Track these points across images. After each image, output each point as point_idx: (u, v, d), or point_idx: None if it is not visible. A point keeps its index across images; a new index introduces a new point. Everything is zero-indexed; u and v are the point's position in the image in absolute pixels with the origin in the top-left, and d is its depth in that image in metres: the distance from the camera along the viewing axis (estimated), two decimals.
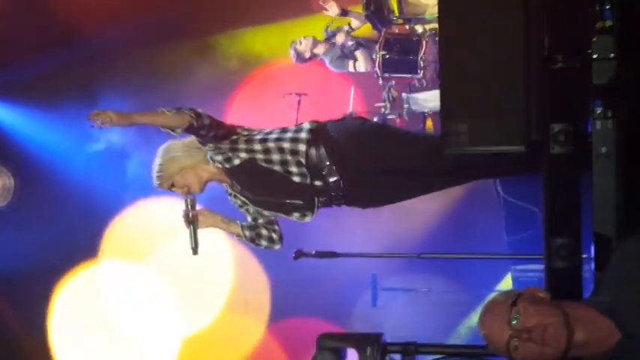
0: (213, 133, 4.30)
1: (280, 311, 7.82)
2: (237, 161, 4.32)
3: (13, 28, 7.50)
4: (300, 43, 7.71)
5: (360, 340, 2.95)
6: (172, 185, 4.40)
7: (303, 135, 4.30)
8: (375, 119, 7.19)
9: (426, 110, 7.01)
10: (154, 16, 7.65)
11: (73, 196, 7.89)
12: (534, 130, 3.39)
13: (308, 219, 4.45)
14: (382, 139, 4.45)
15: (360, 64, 7.38)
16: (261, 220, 4.53)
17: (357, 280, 7.10)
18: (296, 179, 4.31)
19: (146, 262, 8.03)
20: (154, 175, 4.42)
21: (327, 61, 7.68)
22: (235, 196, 4.52)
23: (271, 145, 4.30)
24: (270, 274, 7.71)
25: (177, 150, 4.40)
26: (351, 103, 7.35)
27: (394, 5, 7.22)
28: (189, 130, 4.25)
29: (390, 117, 7.13)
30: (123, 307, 8.18)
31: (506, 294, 2.71)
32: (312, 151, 4.29)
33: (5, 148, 8.16)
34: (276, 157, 4.30)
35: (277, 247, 4.59)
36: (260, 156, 4.30)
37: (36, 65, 7.73)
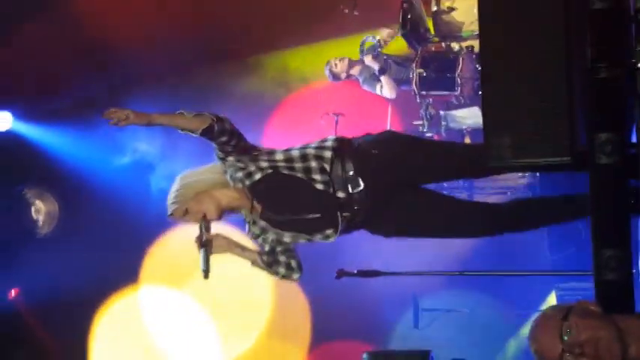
0: (235, 141, 4.11)
1: (321, 334, 7.77)
2: (258, 175, 4.11)
3: (54, 53, 7.58)
4: (336, 65, 7.73)
5: (407, 357, 2.91)
6: (186, 212, 4.16)
7: (329, 143, 4.16)
8: None
9: (464, 127, 6.99)
10: (192, 37, 7.70)
11: (114, 222, 7.92)
12: (579, 141, 3.33)
13: (332, 239, 4.21)
14: (412, 148, 4.30)
15: (385, 90, 7.38)
16: (279, 248, 4.27)
17: (399, 300, 7.05)
18: (319, 187, 4.09)
19: (185, 287, 8.02)
20: (169, 201, 4.20)
21: (360, 80, 7.69)
22: (254, 223, 4.25)
23: (295, 153, 4.14)
24: (310, 295, 7.66)
25: (194, 175, 4.23)
26: (388, 122, 7.34)
27: (430, 24, 7.22)
28: (210, 133, 4.04)
29: (427, 135, 7.11)
30: (162, 333, 8.17)
31: (557, 308, 2.66)
32: (337, 160, 4.12)
33: (50, 173, 8.21)
34: (298, 165, 4.11)
35: (296, 276, 4.30)
36: (282, 164, 4.11)
37: (79, 89, 7.81)
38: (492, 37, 3.49)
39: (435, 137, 7.17)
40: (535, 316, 3.07)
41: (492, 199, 6.26)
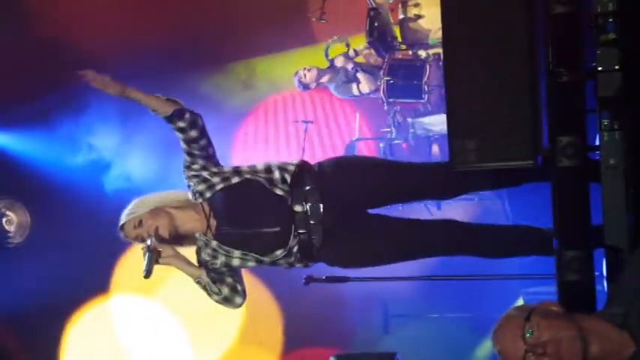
0: (205, 142, 4.15)
1: (292, 341, 7.78)
2: (220, 186, 4.12)
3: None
4: (305, 75, 7.75)
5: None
6: (140, 224, 4.10)
7: (293, 162, 4.23)
8: (382, 144, 7.22)
9: (431, 134, 7.03)
10: (161, 44, 7.69)
11: (86, 230, 7.88)
12: (542, 144, 3.39)
13: (280, 261, 4.14)
14: (373, 169, 4.30)
15: (364, 85, 7.41)
16: (227, 271, 4.18)
17: (368, 306, 7.08)
18: (278, 192, 4.09)
19: (157, 296, 8.00)
20: (123, 215, 4.15)
21: (331, 88, 7.72)
22: (205, 245, 4.15)
23: (259, 166, 4.19)
24: (281, 302, 7.68)
25: (154, 196, 4.21)
26: (357, 129, 7.37)
27: (397, 32, 7.27)
28: (180, 118, 4.08)
29: (396, 142, 7.15)
30: (134, 342, 8.14)
31: (519, 309, 2.69)
32: (298, 175, 4.14)
33: (19, 182, 8.17)
34: (262, 175, 4.13)
35: (239, 300, 4.20)
36: (246, 169, 4.16)
37: (38, 95, 7.80)
38: (456, 42, 3.54)
39: (404, 145, 7.21)
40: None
41: (461, 204, 6.28)
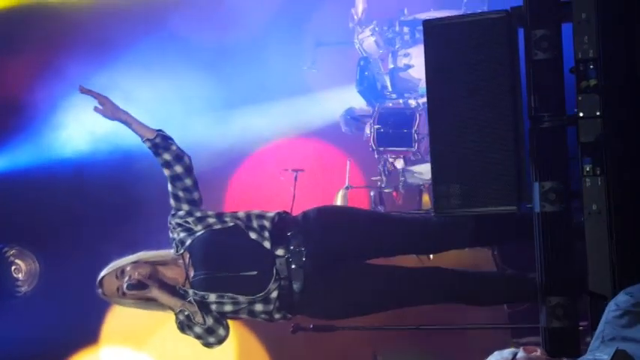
0: (190, 183, 4.20)
1: None
2: (200, 232, 4.15)
3: None
4: None
5: None
6: (122, 274, 4.11)
7: (274, 211, 4.24)
8: (372, 193, 7.22)
9: (421, 183, 7.03)
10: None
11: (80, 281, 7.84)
12: (526, 190, 3.39)
13: (259, 305, 4.09)
14: (357, 219, 4.30)
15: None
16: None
17: (358, 356, 7.01)
18: (258, 240, 4.08)
19: (146, 347, 7.94)
20: (102, 272, 4.18)
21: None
22: (184, 296, 4.12)
23: (240, 213, 4.20)
24: (269, 352, 7.61)
25: (133, 255, 4.22)
26: (347, 177, 7.37)
27: (387, 81, 7.30)
28: (165, 146, 4.17)
29: (386, 190, 7.15)
30: None
31: (503, 354, 2.68)
32: (280, 221, 4.16)
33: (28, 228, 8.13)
34: (242, 214, 4.18)
35: (223, 332, 4.13)
36: (228, 215, 4.18)
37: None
38: (439, 88, 3.58)
39: (394, 194, 7.20)
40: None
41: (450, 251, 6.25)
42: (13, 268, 8.12)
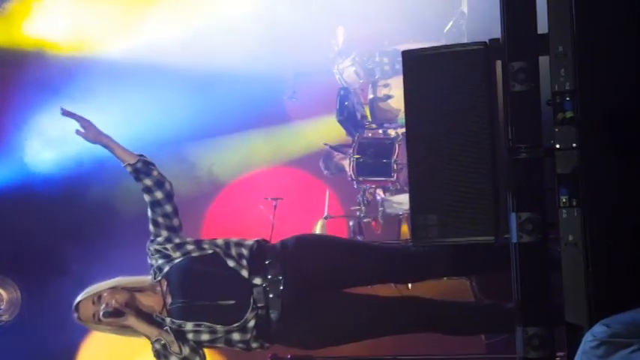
0: (170, 209, 4.21)
1: None
2: (178, 260, 4.14)
3: None
4: None
5: None
6: (99, 299, 4.10)
7: (252, 239, 4.25)
8: (351, 222, 7.23)
9: (400, 213, 7.05)
10: None
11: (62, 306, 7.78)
12: (503, 221, 3.42)
13: (236, 334, 4.07)
14: (335, 249, 4.30)
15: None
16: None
17: None
18: (236, 268, 4.08)
19: None
20: (78, 297, 4.17)
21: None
22: (161, 324, 4.12)
23: (219, 241, 4.20)
24: None
25: (110, 280, 4.21)
26: (326, 207, 7.39)
27: (367, 111, 7.35)
28: (145, 171, 4.18)
29: (365, 220, 7.17)
30: None
31: None
32: (257, 249, 4.17)
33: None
34: (220, 241, 4.18)
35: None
36: (207, 242, 4.18)
37: None
38: (418, 118, 3.60)
39: (373, 223, 7.22)
40: None
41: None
42: None
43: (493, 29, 3.57)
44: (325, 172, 7.58)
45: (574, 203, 3.29)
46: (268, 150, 8.41)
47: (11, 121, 8.00)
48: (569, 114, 3.31)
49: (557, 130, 3.34)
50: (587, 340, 2.85)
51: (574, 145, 3.31)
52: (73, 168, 7.89)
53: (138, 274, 4.30)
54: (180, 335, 4.09)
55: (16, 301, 8.08)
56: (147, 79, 7.99)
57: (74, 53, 8.03)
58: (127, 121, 7.60)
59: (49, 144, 7.92)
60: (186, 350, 4.09)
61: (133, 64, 7.99)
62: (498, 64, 3.50)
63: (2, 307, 8.03)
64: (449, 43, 6.36)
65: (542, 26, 3.44)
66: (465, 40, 6.33)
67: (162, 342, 4.09)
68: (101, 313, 4.07)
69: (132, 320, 4.08)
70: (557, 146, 3.33)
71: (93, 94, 7.67)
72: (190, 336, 4.10)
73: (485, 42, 3.52)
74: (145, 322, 4.10)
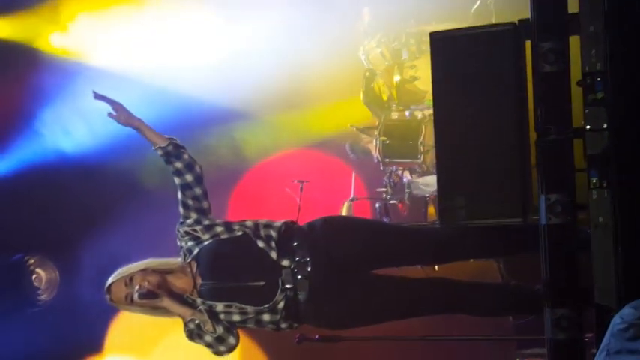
0: (200, 191, 4.24)
1: None
2: (208, 241, 4.18)
3: None
4: None
5: None
6: (131, 281, 4.14)
7: (280, 221, 4.27)
8: (377, 205, 7.22)
9: (427, 195, 7.01)
10: None
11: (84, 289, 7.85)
12: (531, 202, 3.40)
13: (265, 315, 4.12)
14: (361, 230, 4.33)
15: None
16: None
17: None
18: (265, 250, 4.11)
19: (151, 356, 7.93)
20: (110, 278, 4.22)
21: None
22: (192, 305, 4.17)
23: (248, 222, 4.23)
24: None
25: (141, 262, 4.25)
26: (352, 189, 7.38)
27: (394, 93, 7.30)
28: (177, 153, 4.22)
29: (392, 202, 7.14)
30: None
31: None
32: (286, 231, 4.19)
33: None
34: (249, 223, 4.21)
35: (233, 340, 4.17)
36: (236, 224, 4.21)
37: None
38: (446, 100, 3.59)
39: (399, 206, 7.20)
40: None
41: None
42: (33, 277, 8.15)
43: (522, 9, 3.54)
44: (352, 155, 7.57)
45: (604, 184, 3.27)
46: (293, 133, 8.39)
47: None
48: (599, 95, 3.29)
49: (587, 110, 3.31)
50: (616, 322, 2.83)
51: (604, 126, 3.29)
52: (106, 148, 7.92)
53: (168, 255, 4.34)
54: (212, 315, 4.14)
55: (55, 282, 8.19)
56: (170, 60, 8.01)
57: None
58: (149, 104, 7.65)
59: (85, 124, 7.98)
60: (220, 329, 4.13)
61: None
62: (528, 44, 3.47)
63: (42, 286, 8.14)
64: (476, 23, 6.35)
65: (573, 5, 3.41)
66: (493, 20, 6.28)
67: (197, 321, 4.14)
68: (136, 295, 4.11)
69: (166, 301, 4.12)
70: (588, 127, 3.31)
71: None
72: (222, 316, 4.14)
73: (514, 22, 3.49)
74: (178, 302, 4.14)
